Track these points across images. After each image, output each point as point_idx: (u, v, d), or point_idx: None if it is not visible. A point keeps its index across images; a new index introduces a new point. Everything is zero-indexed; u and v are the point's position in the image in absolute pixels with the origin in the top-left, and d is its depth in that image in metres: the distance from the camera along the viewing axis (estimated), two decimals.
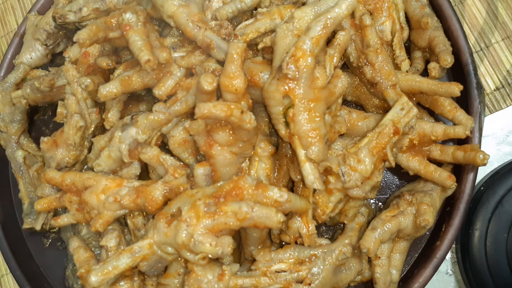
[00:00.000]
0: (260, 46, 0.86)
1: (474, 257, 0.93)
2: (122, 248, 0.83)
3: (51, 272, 1.03)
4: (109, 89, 0.85)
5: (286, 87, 0.75)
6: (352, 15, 0.87)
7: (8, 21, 1.36)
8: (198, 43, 0.83)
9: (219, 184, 0.76)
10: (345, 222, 0.89)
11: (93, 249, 0.91)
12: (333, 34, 0.84)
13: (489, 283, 0.91)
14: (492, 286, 0.91)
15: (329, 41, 0.84)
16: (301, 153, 0.76)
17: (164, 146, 0.91)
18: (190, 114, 0.86)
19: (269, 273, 0.80)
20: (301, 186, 0.84)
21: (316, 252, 0.81)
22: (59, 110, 0.95)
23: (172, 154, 0.87)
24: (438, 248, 0.87)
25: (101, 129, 0.96)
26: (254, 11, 0.90)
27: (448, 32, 0.93)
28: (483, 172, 1.01)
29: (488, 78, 1.10)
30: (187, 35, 0.84)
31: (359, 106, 0.97)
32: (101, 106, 0.95)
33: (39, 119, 1.12)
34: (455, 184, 0.87)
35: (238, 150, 0.81)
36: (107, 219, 0.84)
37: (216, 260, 0.80)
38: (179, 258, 0.81)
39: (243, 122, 0.75)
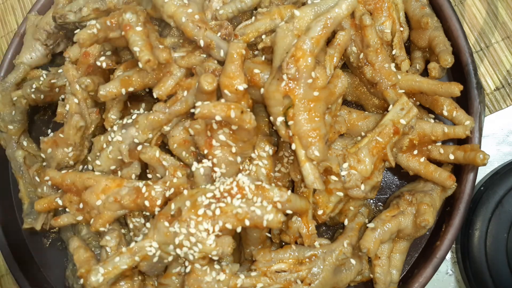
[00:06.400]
0: (260, 46, 0.86)
1: (474, 257, 0.93)
2: (122, 248, 0.83)
3: (51, 272, 1.03)
4: (109, 89, 0.85)
5: (286, 87, 0.75)
6: (352, 15, 0.87)
7: (8, 21, 1.36)
8: (198, 43, 0.83)
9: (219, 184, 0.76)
10: (345, 222, 0.89)
11: (93, 249, 0.91)
12: (333, 34, 0.84)
13: (489, 283, 0.91)
14: (492, 286, 0.91)
15: (329, 41, 0.84)
16: (301, 153, 0.76)
17: (164, 146, 0.91)
18: (190, 114, 0.86)
19: (269, 273, 0.80)
20: (301, 186, 0.84)
21: (316, 252, 0.81)
22: (59, 110, 0.95)
23: (172, 154, 0.87)
24: (438, 248, 0.87)
25: (101, 129, 0.96)
26: (254, 11, 0.90)
27: (448, 32, 0.93)
28: (483, 172, 1.01)
29: (488, 78, 1.10)
30: (187, 35, 0.84)
31: (359, 106, 0.97)
32: (101, 106, 0.95)
33: (39, 119, 1.12)
34: (455, 184, 0.87)
35: (238, 150, 0.81)
36: (107, 219, 0.84)
37: (216, 260, 0.80)
38: (179, 258, 0.82)
39: (243, 122, 0.75)
